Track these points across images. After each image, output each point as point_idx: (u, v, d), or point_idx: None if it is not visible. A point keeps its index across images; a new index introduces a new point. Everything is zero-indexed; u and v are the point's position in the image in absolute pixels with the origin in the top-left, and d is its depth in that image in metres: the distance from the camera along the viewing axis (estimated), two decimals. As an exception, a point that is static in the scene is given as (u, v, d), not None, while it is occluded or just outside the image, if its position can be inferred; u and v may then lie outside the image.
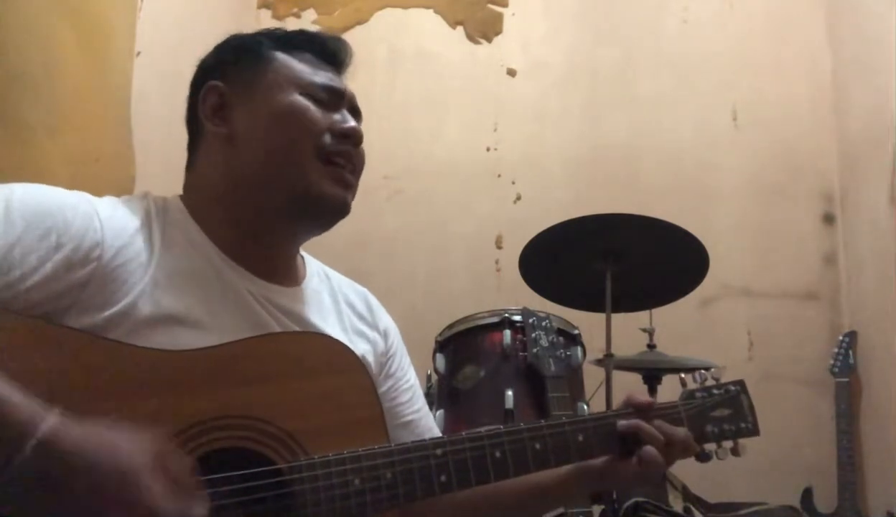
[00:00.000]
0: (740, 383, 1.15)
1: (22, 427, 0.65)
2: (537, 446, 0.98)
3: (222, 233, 0.99)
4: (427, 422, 1.16)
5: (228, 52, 1.06)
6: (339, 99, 1.04)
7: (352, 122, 1.03)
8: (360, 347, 1.08)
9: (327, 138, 1.00)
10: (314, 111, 1.00)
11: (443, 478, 0.90)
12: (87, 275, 0.84)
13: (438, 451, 0.91)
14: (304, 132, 0.99)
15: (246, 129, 1.00)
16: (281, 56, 1.03)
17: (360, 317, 1.13)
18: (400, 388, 1.14)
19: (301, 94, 1.00)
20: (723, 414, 1.11)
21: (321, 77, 1.03)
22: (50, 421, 0.66)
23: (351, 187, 1.03)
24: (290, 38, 1.06)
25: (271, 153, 0.98)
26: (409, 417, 1.13)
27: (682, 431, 1.06)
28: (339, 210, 1.01)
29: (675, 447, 1.04)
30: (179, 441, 0.80)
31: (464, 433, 0.95)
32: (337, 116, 1.02)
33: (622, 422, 1.04)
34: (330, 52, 1.06)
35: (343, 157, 1.01)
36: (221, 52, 1.06)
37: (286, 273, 1.06)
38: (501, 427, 0.97)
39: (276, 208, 0.99)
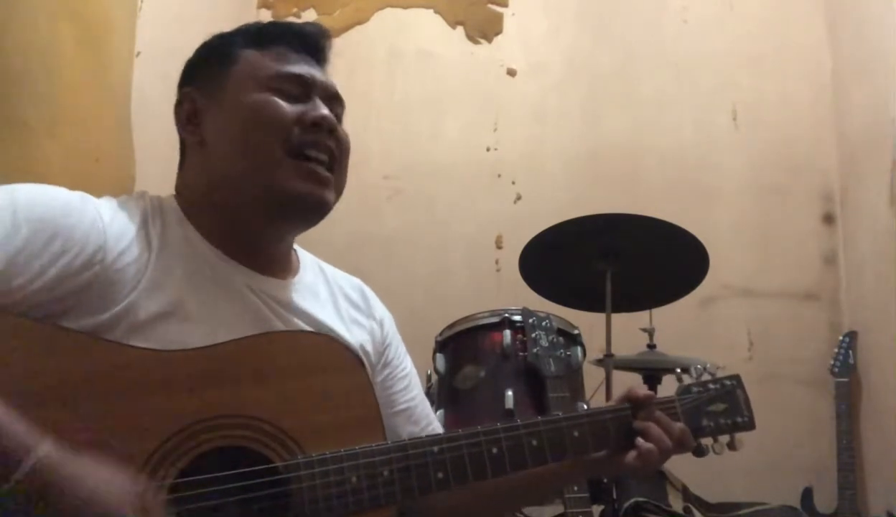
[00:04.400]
0: (736, 378, 1.15)
1: (17, 452, 0.68)
2: (534, 442, 0.98)
3: (215, 231, 0.99)
4: (423, 409, 1.17)
5: (201, 55, 1.05)
6: (307, 88, 1.00)
7: (322, 110, 0.99)
8: (359, 337, 1.08)
9: (296, 131, 0.97)
10: (278, 105, 0.97)
11: (440, 475, 0.91)
12: (89, 278, 0.85)
13: (435, 449, 0.91)
14: (270, 130, 0.96)
15: (215, 135, 0.99)
16: (249, 53, 1.00)
17: (356, 308, 1.13)
18: (396, 377, 1.14)
19: (265, 90, 0.97)
20: (719, 408, 1.11)
21: (287, 68, 1.00)
22: (42, 450, 0.70)
23: (326, 182, 0.99)
24: (264, 33, 1.03)
25: (240, 156, 0.97)
26: (405, 405, 1.14)
27: (679, 426, 1.06)
28: (314, 207, 0.99)
29: (672, 441, 1.04)
30: (177, 440, 0.81)
31: (460, 430, 0.95)
32: (305, 106, 0.99)
33: (637, 423, 1.05)
34: (306, 41, 1.04)
35: (315, 147, 0.98)
36: (196, 55, 1.06)
37: (281, 266, 1.05)
38: (498, 424, 0.97)
39: (255, 210, 0.98)
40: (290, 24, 1.07)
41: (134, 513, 0.72)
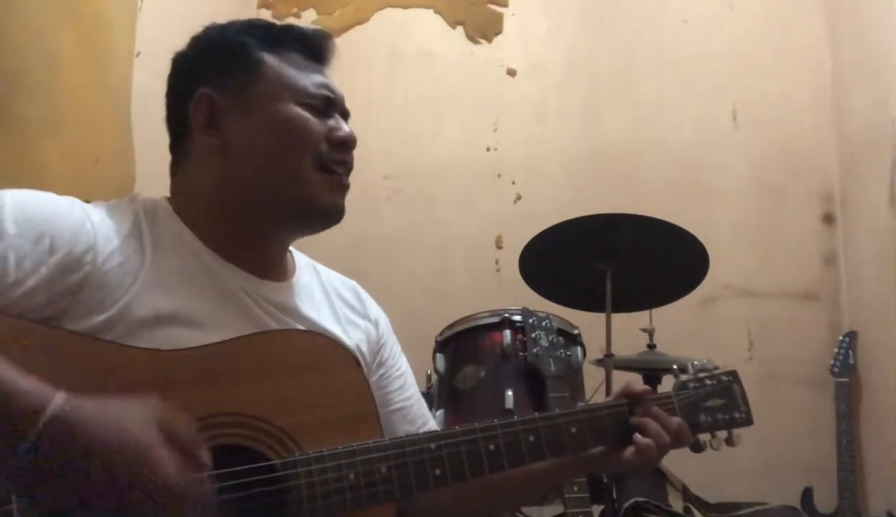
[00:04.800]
0: (733, 373, 1.15)
1: (32, 407, 0.68)
2: (531, 438, 0.99)
3: (213, 234, 0.98)
4: (419, 409, 1.17)
5: (213, 53, 1.03)
6: (330, 103, 1.03)
7: (347, 129, 1.03)
8: (355, 337, 1.09)
9: (324, 147, 1.00)
10: (311, 121, 0.99)
11: (437, 471, 0.91)
12: (81, 278, 0.85)
13: (433, 445, 0.92)
14: (303, 144, 0.99)
15: (242, 141, 0.98)
16: (270, 60, 1.00)
17: (352, 308, 1.13)
18: (391, 376, 1.15)
19: (295, 103, 0.99)
20: (716, 404, 1.11)
21: (314, 83, 1.02)
22: (58, 400, 0.69)
23: (346, 191, 1.04)
24: (275, 36, 1.03)
25: (270, 165, 0.98)
26: (401, 404, 1.14)
27: (676, 421, 1.06)
28: (336, 217, 1.03)
29: (670, 437, 1.05)
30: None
31: (458, 427, 0.95)
32: (331, 122, 1.02)
33: (634, 419, 1.05)
34: (315, 48, 1.05)
35: (339, 163, 1.02)
36: (204, 52, 1.04)
37: (277, 269, 1.06)
38: (496, 420, 0.97)
39: (274, 216, 1.01)
40: (297, 29, 1.07)
41: (159, 431, 0.72)
